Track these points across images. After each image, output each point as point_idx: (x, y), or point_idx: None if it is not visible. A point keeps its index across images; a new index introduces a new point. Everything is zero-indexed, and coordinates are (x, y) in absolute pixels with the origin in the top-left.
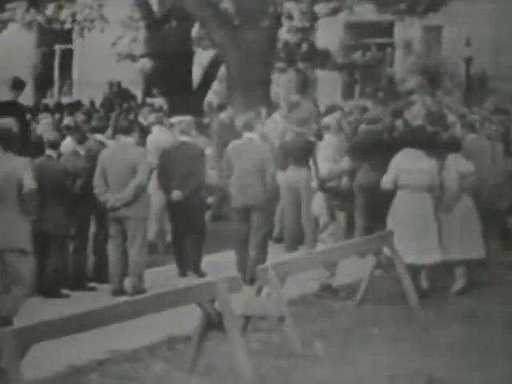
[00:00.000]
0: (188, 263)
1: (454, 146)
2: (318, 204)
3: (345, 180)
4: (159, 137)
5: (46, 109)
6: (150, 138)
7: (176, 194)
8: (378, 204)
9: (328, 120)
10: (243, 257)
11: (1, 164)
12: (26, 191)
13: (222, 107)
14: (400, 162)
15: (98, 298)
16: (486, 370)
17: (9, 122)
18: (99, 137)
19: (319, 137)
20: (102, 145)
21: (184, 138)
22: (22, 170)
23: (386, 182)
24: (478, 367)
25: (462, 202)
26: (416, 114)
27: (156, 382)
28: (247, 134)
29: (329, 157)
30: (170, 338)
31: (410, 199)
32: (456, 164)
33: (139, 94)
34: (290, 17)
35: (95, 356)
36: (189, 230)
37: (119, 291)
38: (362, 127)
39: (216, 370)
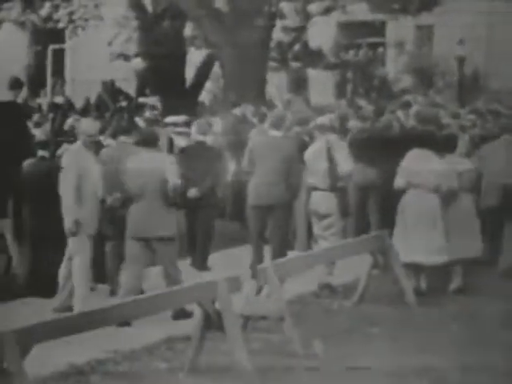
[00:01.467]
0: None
1: (450, 145)
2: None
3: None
4: None
5: (40, 109)
6: None
7: (193, 192)
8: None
9: (322, 120)
10: (259, 254)
11: (146, 160)
12: (171, 184)
13: (235, 103)
14: (410, 162)
15: (96, 298)
16: (486, 368)
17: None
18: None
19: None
20: (100, 145)
21: (201, 138)
22: (165, 165)
23: (399, 181)
24: (478, 366)
25: (460, 201)
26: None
27: (156, 382)
28: (273, 132)
29: (347, 157)
30: (170, 337)
31: (417, 199)
32: (453, 163)
33: (132, 94)
34: (283, 16)
35: (96, 355)
36: (200, 227)
37: (117, 291)
38: (352, 124)
39: (216, 369)
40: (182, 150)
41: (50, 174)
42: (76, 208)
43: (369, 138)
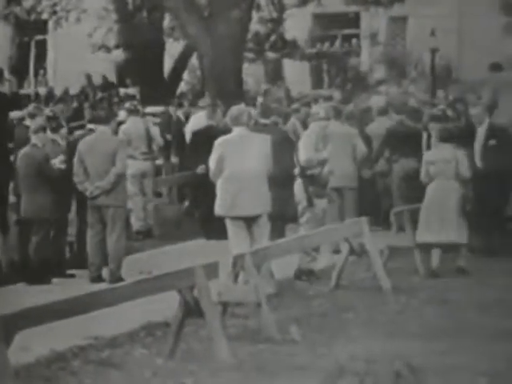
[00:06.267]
0: None
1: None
2: (298, 190)
3: (327, 168)
4: (132, 126)
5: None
6: (122, 128)
7: (201, 168)
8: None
9: (316, 109)
10: None
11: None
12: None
13: (199, 95)
14: (428, 155)
15: (78, 284)
16: (459, 353)
17: None
18: (91, 126)
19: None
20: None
21: (211, 122)
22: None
23: (422, 175)
24: (451, 351)
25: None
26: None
27: (136, 368)
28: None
29: (309, 145)
30: (149, 324)
31: (436, 187)
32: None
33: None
34: (259, 7)
35: (77, 342)
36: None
37: (97, 278)
38: None
39: (194, 355)
40: (195, 133)
41: (40, 159)
42: None
43: None
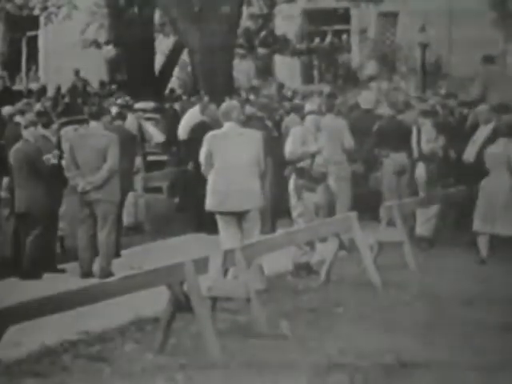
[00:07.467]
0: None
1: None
2: (290, 184)
3: (320, 160)
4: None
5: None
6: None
7: (190, 164)
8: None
9: (309, 105)
10: None
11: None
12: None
13: (193, 92)
14: (487, 149)
15: (68, 279)
16: (449, 348)
17: None
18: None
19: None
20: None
21: (206, 118)
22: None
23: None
24: (441, 345)
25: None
26: (368, 100)
27: (126, 363)
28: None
29: (295, 138)
30: (139, 319)
31: (488, 180)
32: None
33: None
34: (249, 3)
35: (68, 337)
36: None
37: (88, 273)
38: None
39: (184, 350)
40: (193, 128)
41: (35, 155)
42: None
43: None
